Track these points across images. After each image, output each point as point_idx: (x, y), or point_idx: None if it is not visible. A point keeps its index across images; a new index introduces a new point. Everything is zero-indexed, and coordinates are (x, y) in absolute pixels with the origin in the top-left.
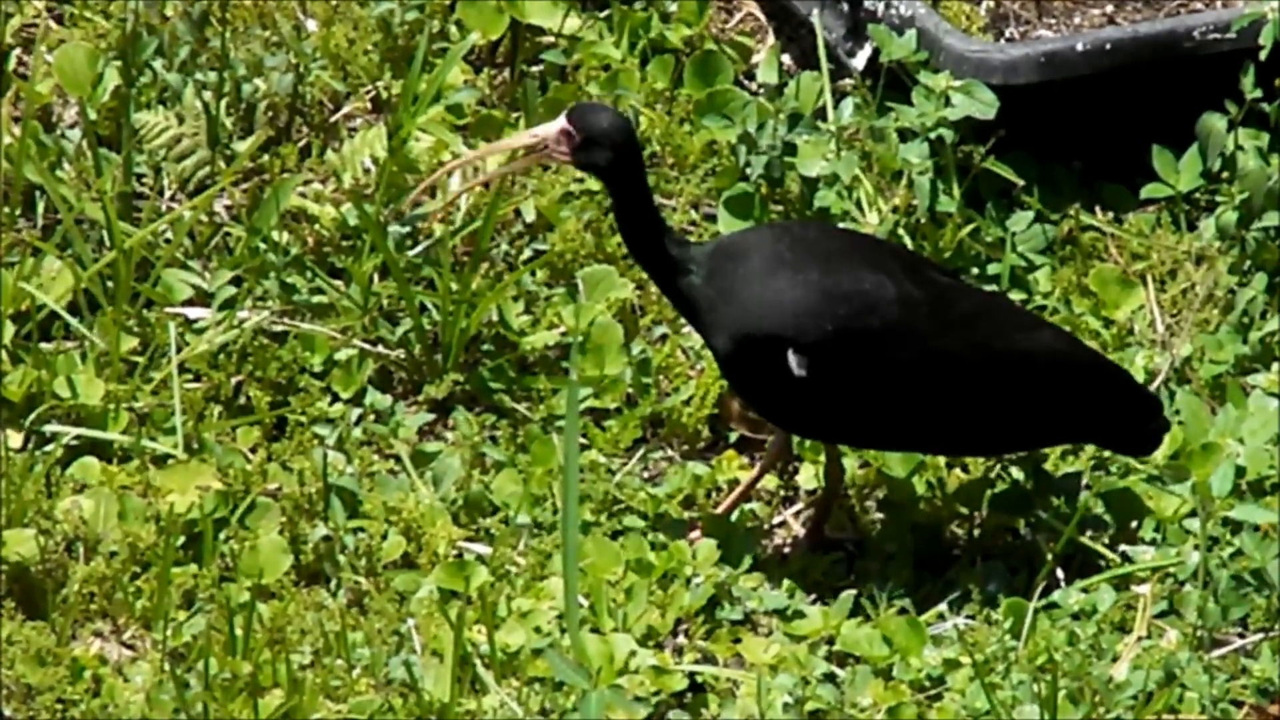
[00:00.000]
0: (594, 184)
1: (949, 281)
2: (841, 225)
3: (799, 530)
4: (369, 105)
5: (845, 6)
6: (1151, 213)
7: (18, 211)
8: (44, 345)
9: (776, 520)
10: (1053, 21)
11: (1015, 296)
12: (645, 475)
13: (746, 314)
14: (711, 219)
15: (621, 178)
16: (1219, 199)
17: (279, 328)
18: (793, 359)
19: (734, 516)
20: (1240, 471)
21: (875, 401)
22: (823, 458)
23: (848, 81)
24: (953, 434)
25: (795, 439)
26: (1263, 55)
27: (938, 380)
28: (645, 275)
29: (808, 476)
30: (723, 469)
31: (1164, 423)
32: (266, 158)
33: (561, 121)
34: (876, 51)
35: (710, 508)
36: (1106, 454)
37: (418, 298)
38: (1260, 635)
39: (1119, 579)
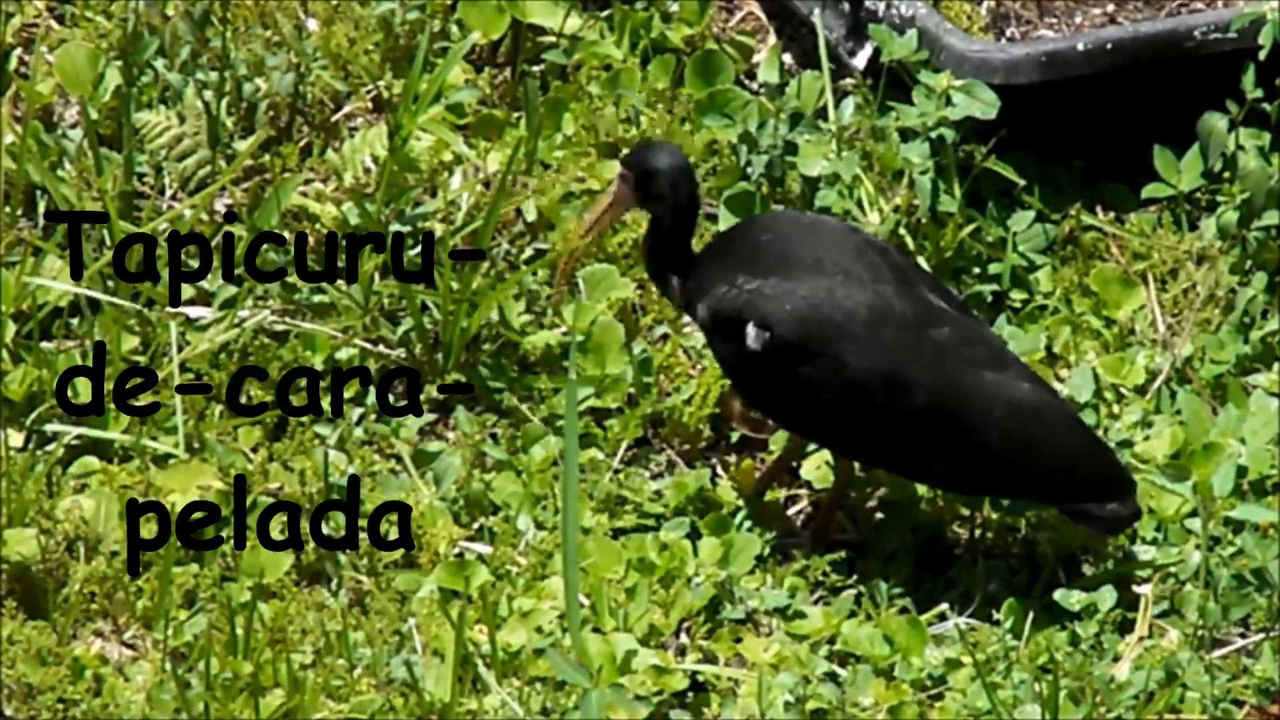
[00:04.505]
0: (594, 184)
1: (939, 304)
2: (849, 223)
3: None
4: (370, 105)
5: (846, 6)
6: (1153, 212)
7: (19, 211)
8: (45, 344)
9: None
10: (1054, 21)
11: (1016, 296)
12: (646, 475)
13: (726, 290)
14: (713, 218)
15: (675, 208)
16: (1220, 198)
17: (280, 327)
18: (750, 331)
19: (765, 497)
20: (1241, 471)
21: (827, 399)
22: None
23: (849, 81)
24: (893, 454)
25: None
26: (1263, 55)
27: (890, 396)
28: (646, 275)
29: (813, 474)
30: (725, 469)
31: (1133, 507)
32: (267, 157)
33: (617, 167)
34: (877, 51)
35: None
36: None
37: (418, 297)
38: (1261, 635)
39: (1120, 579)
